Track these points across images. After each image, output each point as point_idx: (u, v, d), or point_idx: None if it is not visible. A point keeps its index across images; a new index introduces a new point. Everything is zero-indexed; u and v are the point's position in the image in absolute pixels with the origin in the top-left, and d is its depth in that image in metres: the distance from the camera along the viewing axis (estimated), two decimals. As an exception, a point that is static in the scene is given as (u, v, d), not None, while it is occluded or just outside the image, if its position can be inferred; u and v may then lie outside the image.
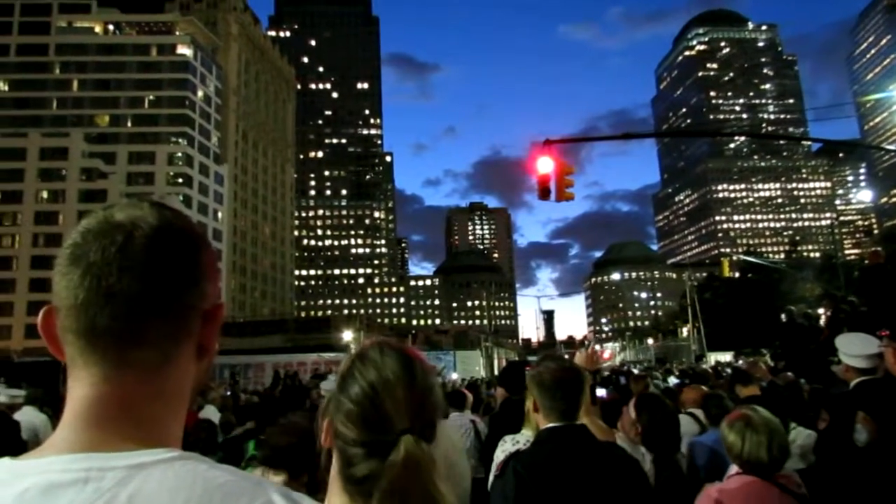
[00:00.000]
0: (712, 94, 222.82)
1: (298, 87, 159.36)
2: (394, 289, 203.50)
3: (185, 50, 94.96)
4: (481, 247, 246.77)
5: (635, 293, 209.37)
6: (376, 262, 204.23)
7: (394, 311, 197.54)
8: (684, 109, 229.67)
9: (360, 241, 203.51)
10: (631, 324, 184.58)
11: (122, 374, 0.72)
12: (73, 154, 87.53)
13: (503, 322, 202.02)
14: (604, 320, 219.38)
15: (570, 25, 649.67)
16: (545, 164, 12.45)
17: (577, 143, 15.36)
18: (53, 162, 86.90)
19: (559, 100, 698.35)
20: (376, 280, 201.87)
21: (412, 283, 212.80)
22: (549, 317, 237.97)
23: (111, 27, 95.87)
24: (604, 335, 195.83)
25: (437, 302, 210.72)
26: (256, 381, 22.68)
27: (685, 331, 60.31)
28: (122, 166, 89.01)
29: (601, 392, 3.74)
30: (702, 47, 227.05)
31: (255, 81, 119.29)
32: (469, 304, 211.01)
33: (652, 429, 3.34)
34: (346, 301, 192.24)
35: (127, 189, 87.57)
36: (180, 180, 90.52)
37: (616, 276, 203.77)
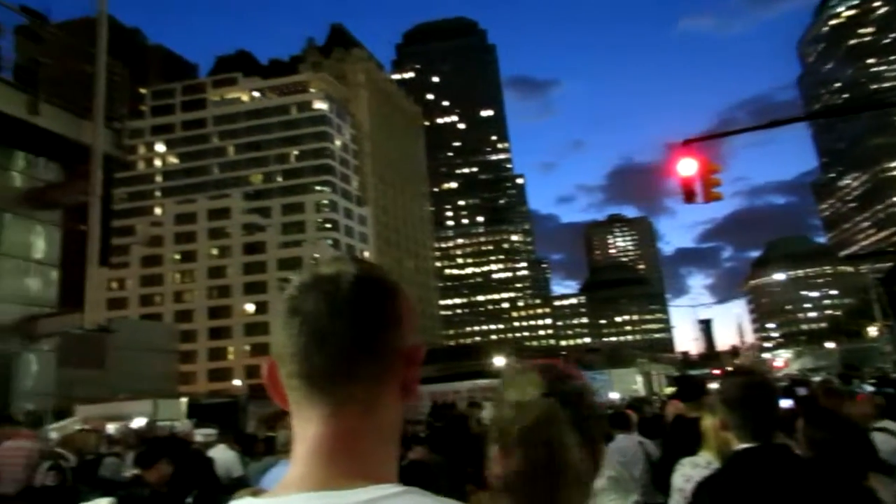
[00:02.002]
0: (870, 61, 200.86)
1: (426, 123, 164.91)
2: (538, 310, 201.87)
3: (320, 104, 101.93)
4: (624, 259, 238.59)
5: (804, 292, 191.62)
6: (518, 285, 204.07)
7: (540, 332, 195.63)
8: (838, 84, 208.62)
9: (500, 265, 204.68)
10: (804, 327, 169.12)
11: (342, 411, 0.79)
12: (234, 212, 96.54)
13: (657, 336, 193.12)
14: (770, 325, 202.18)
15: (689, 18, 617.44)
16: (687, 166, 11.82)
17: (718, 138, 14.31)
18: (219, 221, 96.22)
19: (688, 97, 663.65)
20: (520, 303, 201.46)
21: (556, 303, 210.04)
22: (706, 326, 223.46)
23: (256, 94, 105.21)
24: (772, 342, 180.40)
25: (584, 320, 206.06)
26: (416, 412, 23.22)
27: (873, 330, 53.33)
28: (276, 218, 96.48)
29: (786, 402, 3.35)
30: (850, 12, 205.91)
31: (386, 124, 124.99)
32: (618, 319, 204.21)
33: (828, 448, 2.78)
34: (492, 326, 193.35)
35: (282, 238, 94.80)
36: (328, 225, 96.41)
37: (780, 276, 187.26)
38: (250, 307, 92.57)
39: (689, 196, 11.81)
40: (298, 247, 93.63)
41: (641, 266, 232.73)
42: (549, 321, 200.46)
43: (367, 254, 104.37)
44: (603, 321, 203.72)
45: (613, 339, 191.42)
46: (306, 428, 0.80)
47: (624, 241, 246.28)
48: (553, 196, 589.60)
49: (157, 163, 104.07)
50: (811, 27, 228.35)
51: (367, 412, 0.80)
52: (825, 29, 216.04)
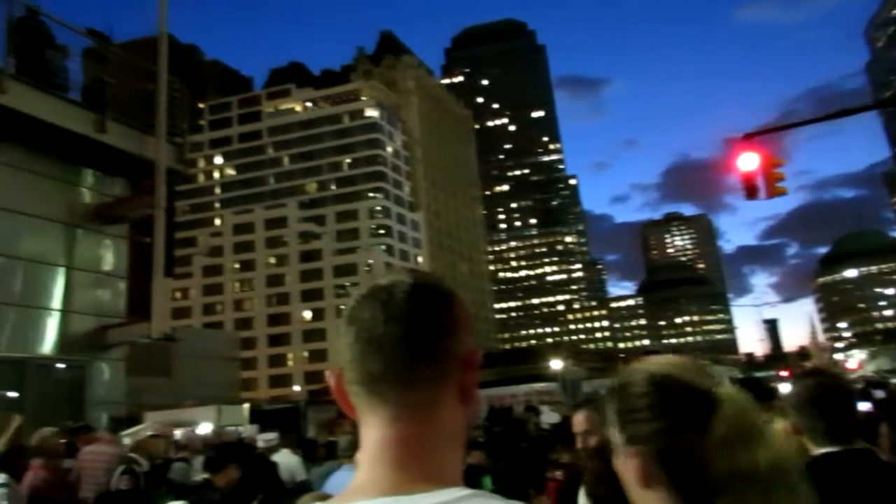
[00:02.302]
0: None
1: (476, 126, 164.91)
2: (595, 312, 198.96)
3: (371, 112, 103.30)
4: (683, 258, 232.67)
5: (879, 290, 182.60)
6: (573, 287, 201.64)
7: (597, 335, 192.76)
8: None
9: (554, 267, 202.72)
10: (878, 326, 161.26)
11: (401, 416, 0.81)
12: (290, 221, 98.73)
13: (719, 337, 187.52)
14: (842, 325, 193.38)
15: (744, 8, 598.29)
16: (748, 161, 11.42)
17: (781, 131, 13.69)
18: (276, 230, 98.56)
19: (745, 89, 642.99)
20: (576, 305, 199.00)
21: (613, 304, 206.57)
22: (772, 326, 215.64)
23: (308, 104, 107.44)
24: (844, 342, 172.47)
25: (642, 322, 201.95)
26: (476, 417, 23.12)
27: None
28: (331, 226, 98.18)
29: (864, 406, 3.17)
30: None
31: (436, 129, 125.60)
32: (677, 320, 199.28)
33: None
34: (547, 329, 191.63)
35: (337, 246, 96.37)
36: (381, 231, 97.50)
37: (851, 273, 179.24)
38: (307, 314, 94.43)
39: (751, 192, 11.41)
40: (353, 253, 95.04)
41: (701, 265, 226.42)
42: (605, 323, 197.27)
43: (420, 259, 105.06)
44: (662, 322, 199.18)
45: (673, 340, 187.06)
46: (369, 434, 0.83)
47: (682, 239, 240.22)
48: (607, 196, 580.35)
49: (216, 175, 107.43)
50: (879, 10, 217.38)
51: (427, 417, 0.82)
52: (895, 11, 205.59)
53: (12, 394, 9.18)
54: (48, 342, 9.82)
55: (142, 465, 6.17)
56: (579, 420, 2.64)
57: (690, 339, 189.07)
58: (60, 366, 10.11)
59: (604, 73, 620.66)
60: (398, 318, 0.82)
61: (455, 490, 0.76)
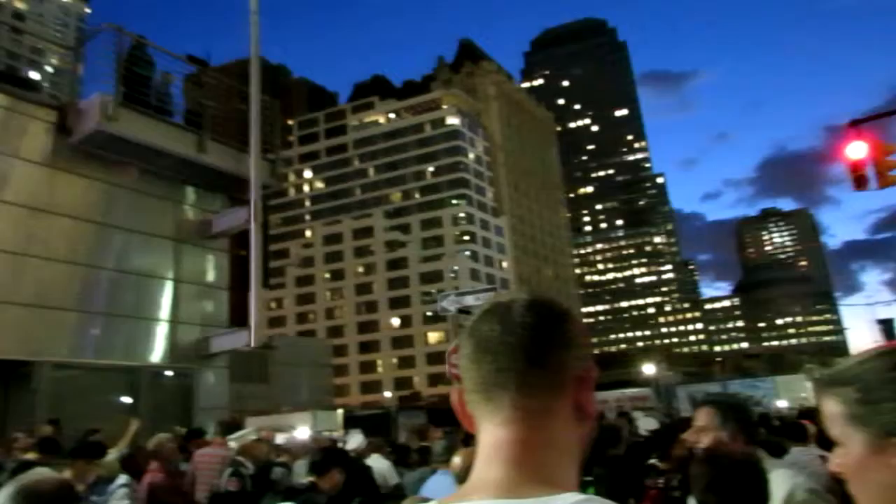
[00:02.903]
0: None
1: (558, 128, 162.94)
2: (688, 315, 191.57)
3: (452, 120, 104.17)
4: (782, 256, 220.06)
5: None
6: (664, 289, 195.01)
7: (691, 338, 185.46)
8: None
9: (643, 269, 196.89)
10: None
11: (516, 418, 0.84)
12: (377, 231, 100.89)
13: (826, 339, 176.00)
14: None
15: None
16: (855, 149, 10.67)
17: (893, 116, 12.62)
18: (363, 240, 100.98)
19: (848, 73, 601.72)
20: (667, 308, 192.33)
21: (707, 306, 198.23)
22: (888, 327, 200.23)
23: (391, 115, 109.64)
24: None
25: (739, 324, 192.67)
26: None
27: None
28: (416, 234, 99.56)
29: None
30: None
31: (518, 133, 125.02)
32: (778, 322, 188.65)
33: None
34: (637, 333, 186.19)
35: (422, 253, 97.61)
36: (466, 238, 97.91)
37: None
38: (395, 321, 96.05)
39: (859, 183, 10.66)
40: (438, 260, 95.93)
41: (803, 263, 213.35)
42: (699, 326, 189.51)
43: (504, 264, 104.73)
44: (761, 324, 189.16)
45: (774, 343, 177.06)
46: (484, 438, 0.86)
47: (781, 236, 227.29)
48: (697, 193, 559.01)
49: (306, 188, 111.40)
50: None
51: (541, 425, 0.84)
52: None
53: (128, 399, 9.83)
54: (158, 351, 10.46)
55: (248, 468, 6.45)
56: (702, 414, 2.51)
57: (794, 341, 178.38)
58: (170, 373, 10.74)
59: (689, 65, 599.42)
60: (514, 329, 0.86)
61: (570, 495, 0.77)
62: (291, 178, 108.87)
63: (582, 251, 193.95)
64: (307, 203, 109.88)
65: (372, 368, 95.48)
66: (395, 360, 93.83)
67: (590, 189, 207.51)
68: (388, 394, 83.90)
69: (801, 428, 5.74)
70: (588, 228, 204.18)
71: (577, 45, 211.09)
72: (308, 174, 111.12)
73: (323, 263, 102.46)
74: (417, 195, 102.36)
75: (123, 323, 10.08)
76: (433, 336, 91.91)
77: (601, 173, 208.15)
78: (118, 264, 10.05)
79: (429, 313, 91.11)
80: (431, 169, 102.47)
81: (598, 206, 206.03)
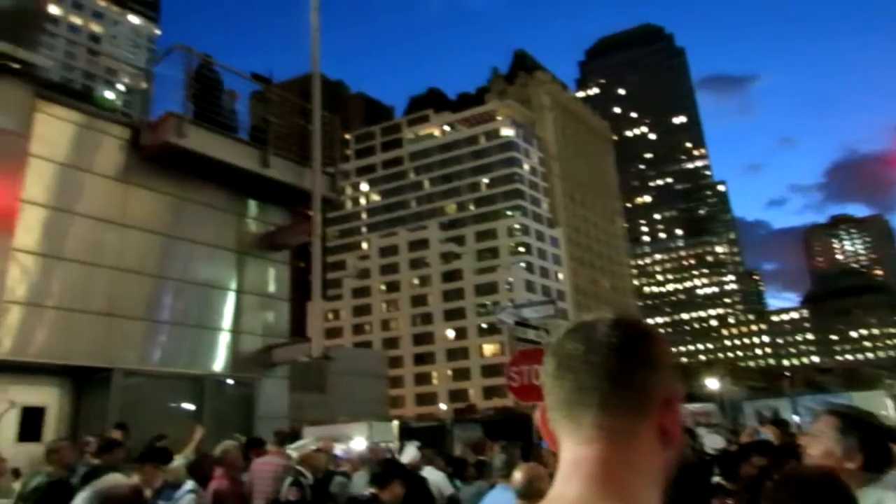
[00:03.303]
0: None
1: (614, 137, 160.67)
2: (753, 327, 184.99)
3: (507, 131, 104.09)
4: (855, 265, 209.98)
5: None
6: (727, 300, 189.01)
7: (757, 351, 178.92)
8: None
9: (705, 280, 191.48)
10: None
11: (597, 437, 0.83)
12: (432, 243, 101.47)
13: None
14: None
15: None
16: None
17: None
18: (418, 252, 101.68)
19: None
20: (731, 320, 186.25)
21: (774, 318, 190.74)
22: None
23: (446, 128, 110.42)
24: None
25: (809, 336, 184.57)
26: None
27: None
28: (470, 246, 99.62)
29: None
30: None
31: (573, 143, 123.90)
32: (853, 334, 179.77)
33: None
34: (700, 346, 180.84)
35: (477, 265, 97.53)
36: (521, 249, 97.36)
37: None
38: (450, 333, 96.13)
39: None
40: (493, 272, 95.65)
41: (878, 271, 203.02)
42: (766, 338, 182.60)
43: (561, 275, 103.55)
44: (833, 337, 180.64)
45: (849, 357, 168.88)
46: (565, 455, 0.85)
47: (853, 244, 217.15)
48: (761, 200, 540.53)
49: (363, 201, 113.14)
50: None
51: (622, 444, 0.83)
52: None
53: (193, 407, 10.10)
54: (221, 360, 10.73)
55: (308, 478, 6.52)
56: (820, 423, 2.31)
57: (870, 354, 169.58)
58: (232, 382, 11.00)
59: (750, 69, 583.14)
60: (598, 349, 0.86)
61: None
62: (348, 190, 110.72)
63: (640, 262, 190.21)
64: (363, 215, 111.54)
65: (427, 380, 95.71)
66: (450, 373, 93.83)
67: (648, 198, 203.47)
68: (443, 406, 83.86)
69: (887, 447, 5.39)
70: (646, 239, 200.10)
71: (633, 52, 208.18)
72: (364, 187, 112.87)
73: (379, 275, 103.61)
74: (472, 207, 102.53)
75: (188, 332, 10.39)
76: (488, 348, 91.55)
77: (659, 182, 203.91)
78: (184, 275, 10.38)
79: (484, 325, 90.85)
80: (486, 180, 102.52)
81: (657, 216, 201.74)
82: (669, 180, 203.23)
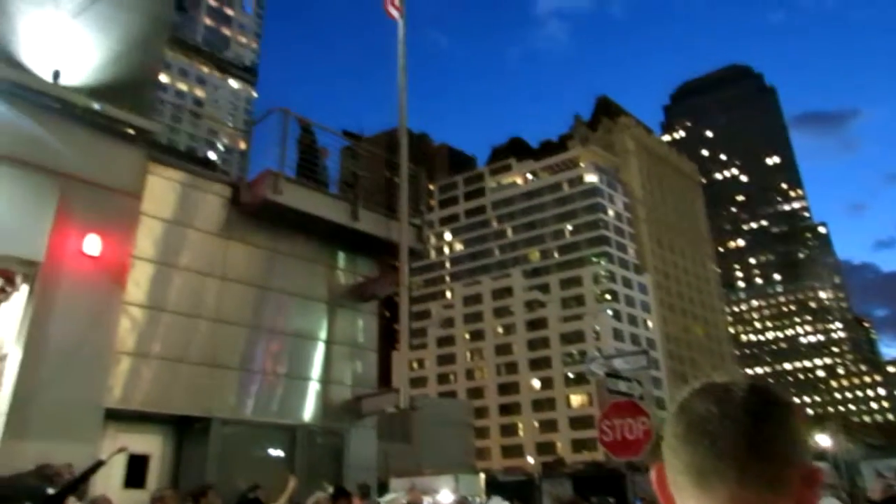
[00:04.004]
0: None
1: (703, 180, 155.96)
2: (866, 378, 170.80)
3: (590, 177, 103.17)
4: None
5: None
6: (835, 349, 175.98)
7: (873, 405, 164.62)
8: None
9: (808, 328, 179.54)
10: None
11: None
12: (516, 291, 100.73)
13: None
14: None
15: None
16: None
17: None
18: (502, 300, 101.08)
19: None
20: (840, 370, 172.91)
21: (890, 368, 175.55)
22: None
23: (529, 176, 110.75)
24: None
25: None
26: None
27: None
28: (555, 294, 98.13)
29: None
30: None
31: (659, 187, 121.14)
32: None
33: None
34: (806, 399, 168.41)
35: (562, 313, 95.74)
36: (607, 297, 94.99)
37: None
38: (536, 383, 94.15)
39: None
40: (579, 320, 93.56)
41: None
42: (882, 391, 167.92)
43: (650, 323, 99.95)
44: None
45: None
46: None
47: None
48: (867, 242, 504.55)
49: (446, 250, 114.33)
50: None
51: None
52: None
53: (286, 456, 10.23)
54: (311, 410, 10.87)
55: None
56: None
57: None
58: (322, 432, 11.09)
59: (849, 104, 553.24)
60: (736, 416, 0.81)
61: None
62: (432, 240, 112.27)
63: (736, 308, 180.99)
64: (447, 264, 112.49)
65: (513, 431, 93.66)
66: (536, 424, 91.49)
67: (741, 242, 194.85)
68: (530, 459, 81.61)
69: None
70: (741, 284, 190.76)
71: (720, 93, 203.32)
72: (448, 236, 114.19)
73: (463, 324, 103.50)
74: (556, 254, 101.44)
75: (280, 381, 10.62)
76: (576, 399, 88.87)
77: (753, 225, 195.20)
78: (277, 325, 10.68)
79: (570, 375, 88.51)
80: (570, 227, 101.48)
81: (752, 260, 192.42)
82: (764, 223, 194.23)
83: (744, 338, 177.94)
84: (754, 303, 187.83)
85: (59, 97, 8.01)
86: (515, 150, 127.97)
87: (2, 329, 8.26)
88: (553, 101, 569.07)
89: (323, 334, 11.26)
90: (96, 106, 8.23)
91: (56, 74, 8.11)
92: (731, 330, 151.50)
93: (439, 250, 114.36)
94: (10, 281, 8.22)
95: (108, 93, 8.49)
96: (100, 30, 8.75)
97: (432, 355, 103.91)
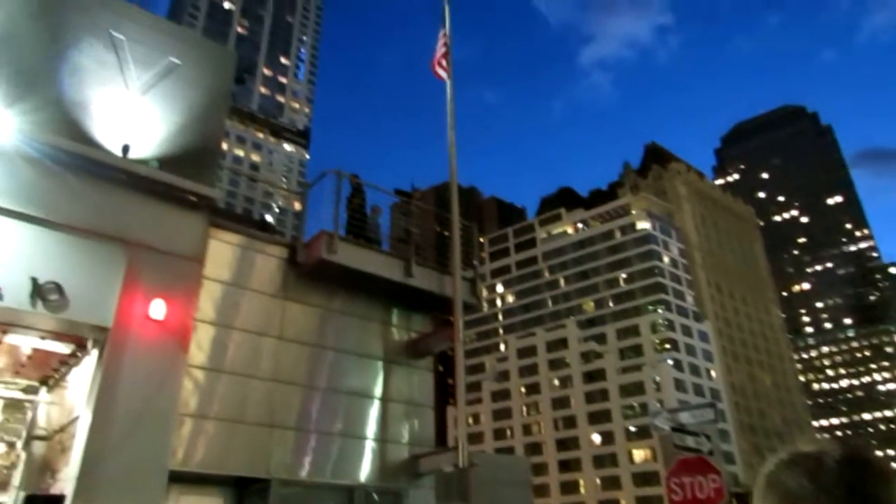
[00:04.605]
0: None
1: (761, 223, 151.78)
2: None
3: (643, 224, 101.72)
4: None
5: None
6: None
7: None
8: None
9: (885, 374, 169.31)
10: None
11: None
12: (571, 342, 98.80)
13: None
14: None
15: None
16: None
17: None
18: (557, 352, 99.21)
19: None
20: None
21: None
22: None
23: (580, 225, 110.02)
24: None
25: None
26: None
27: None
28: (612, 344, 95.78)
29: None
30: None
31: (715, 232, 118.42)
32: None
33: None
34: (890, 452, 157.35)
35: (620, 364, 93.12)
36: (667, 346, 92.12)
37: None
38: (596, 437, 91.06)
39: None
40: (638, 371, 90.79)
41: None
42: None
43: (713, 373, 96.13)
44: None
45: None
46: None
47: None
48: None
49: (499, 302, 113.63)
50: None
51: None
52: None
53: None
54: (367, 469, 10.73)
55: None
56: None
57: None
58: (380, 492, 10.91)
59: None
60: (830, 489, 0.77)
61: None
62: (484, 293, 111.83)
63: (804, 355, 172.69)
64: (500, 317, 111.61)
65: (574, 489, 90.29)
66: (598, 481, 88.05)
67: (806, 285, 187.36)
68: (594, 518, 78.31)
69: None
70: (809, 329, 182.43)
71: (773, 134, 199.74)
72: (500, 289, 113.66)
73: (518, 377, 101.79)
74: (611, 303, 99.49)
75: (336, 441, 10.56)
76: (639, 454, 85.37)
77: (818, 267, 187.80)
78: (332, 384, 10.70)
79: (632, 428, 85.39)
80: (624, 275, 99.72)
81: (819, 304, 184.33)
82: (830, 265, 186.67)
83: (815, 386, 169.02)
84: (825, 349, 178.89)
85: (127, 170, 8.45)
86: (565, 199, 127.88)
87: (73, 393, 8.53)
88: (601, 150, 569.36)
89: (379, 392, 11.21)
90: (162, 177, 8.65)
91: (126, 149, 8.58)
92: (802, 378, 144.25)
93: (492, 303, 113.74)
94: (82, 346, 8.53)
95: (173, 163, 8.92)
96: (165, 105, 9.27)
97: (487, 410, 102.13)
